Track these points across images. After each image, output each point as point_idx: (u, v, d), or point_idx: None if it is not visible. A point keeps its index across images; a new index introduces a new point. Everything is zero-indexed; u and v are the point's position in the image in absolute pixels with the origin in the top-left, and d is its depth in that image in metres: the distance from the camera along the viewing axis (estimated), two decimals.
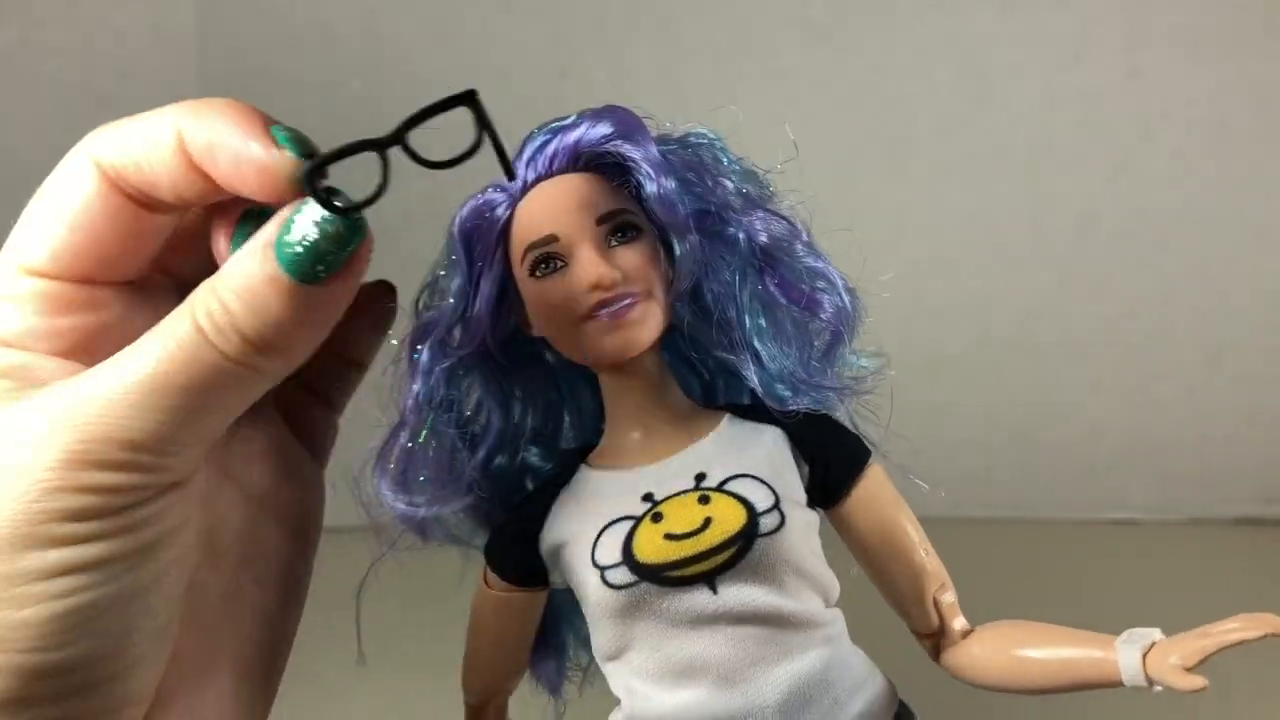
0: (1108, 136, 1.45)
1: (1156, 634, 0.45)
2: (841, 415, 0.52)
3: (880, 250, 1.53)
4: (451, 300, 0.49)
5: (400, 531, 0.51)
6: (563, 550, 0.48)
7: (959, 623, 0.50)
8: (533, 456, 0.53)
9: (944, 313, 1.51)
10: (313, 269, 0.38)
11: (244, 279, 0.38)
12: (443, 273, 0.50)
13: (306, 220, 0.38)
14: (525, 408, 0.53)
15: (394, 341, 0.50)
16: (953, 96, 1.48)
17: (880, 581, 0.51)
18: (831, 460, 0.50)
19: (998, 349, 1.51)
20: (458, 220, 0.49)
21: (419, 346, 0.49)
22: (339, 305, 0.39)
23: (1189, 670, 0.43)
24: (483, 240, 0.49)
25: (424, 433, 0.50)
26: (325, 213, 0.38)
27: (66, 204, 0.41)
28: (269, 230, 0.39)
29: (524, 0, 1.40)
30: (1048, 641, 0.47)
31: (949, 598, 0.50)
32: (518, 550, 0.50)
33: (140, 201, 0.41)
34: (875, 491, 0.51)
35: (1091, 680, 0.45)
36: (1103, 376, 1.48)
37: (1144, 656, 0.44)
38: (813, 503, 0.49)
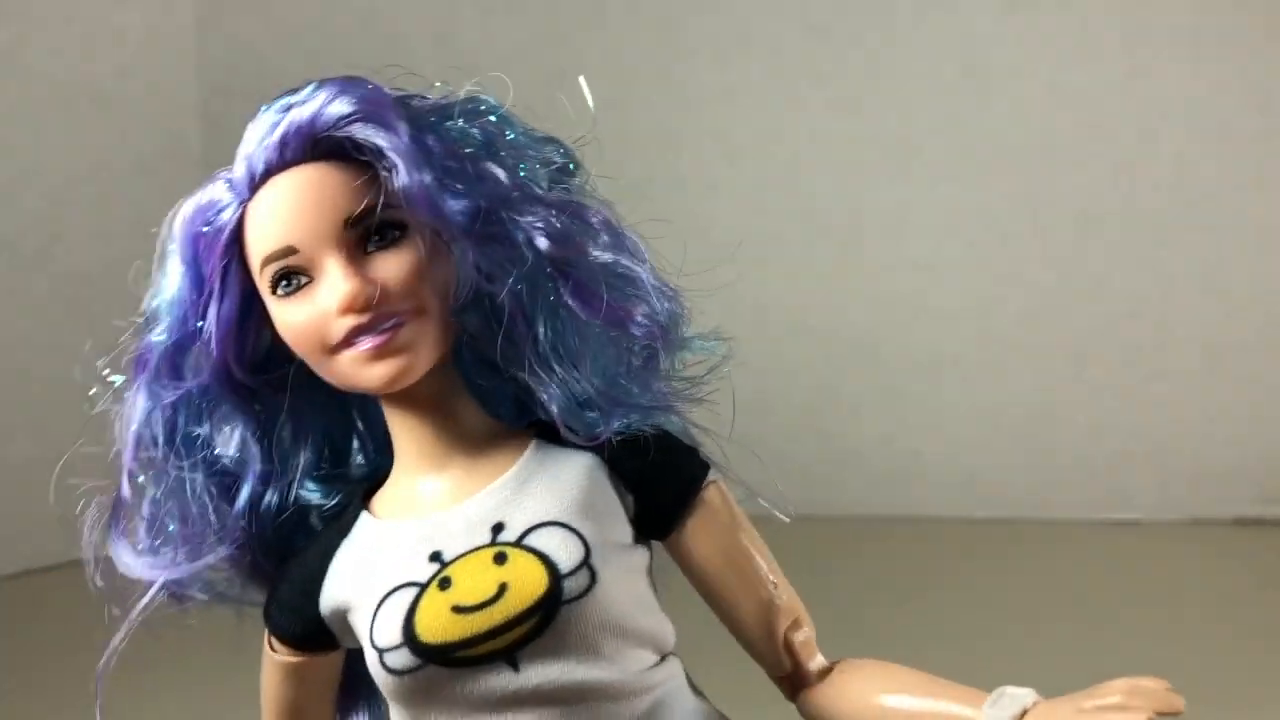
0: (1108, 136, 1.45)
1: (1029, 698, 0.39)
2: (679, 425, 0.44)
3: (881, 250, 1.54)
4: (171, 322, 0.41)
5: (150, 600, 0.42)
6: (347, 616, 0.41)
7: (815, 662, 0.43)
8: (310, 493, 0.44)
9: (944, 313, 1.51)
10: None
11: None
12: (162, 289, 0.41)
13: None
14: (294, 438, 0.43)
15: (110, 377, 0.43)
16: (953, 96, 1.48)
17: (725, 617, 0.44)
18: (660, 486, 0.42)
19: (998, 349, 1.51)
20: (177, 223, 0.41)
21: (134, 382, 0.41)
22: None
23: None
24: (209, 249, 0.40)
25: (164, 480, 0.42)
26: None
27: None
28: None
29: (524, 0, 1.40)
30: (914, 691, 0.42)
31: (802, 636, 0.43)
32: (299, 613, 0.42)
33: None
34: (714, 517, 0.42)
35: None
36: (1103, 376, 1.48)
37: None
38: (642, 537, 0.42)
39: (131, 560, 0.42)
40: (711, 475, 0.43)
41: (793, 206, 1.53)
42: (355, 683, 0.45)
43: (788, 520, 0.47)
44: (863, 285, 1.53)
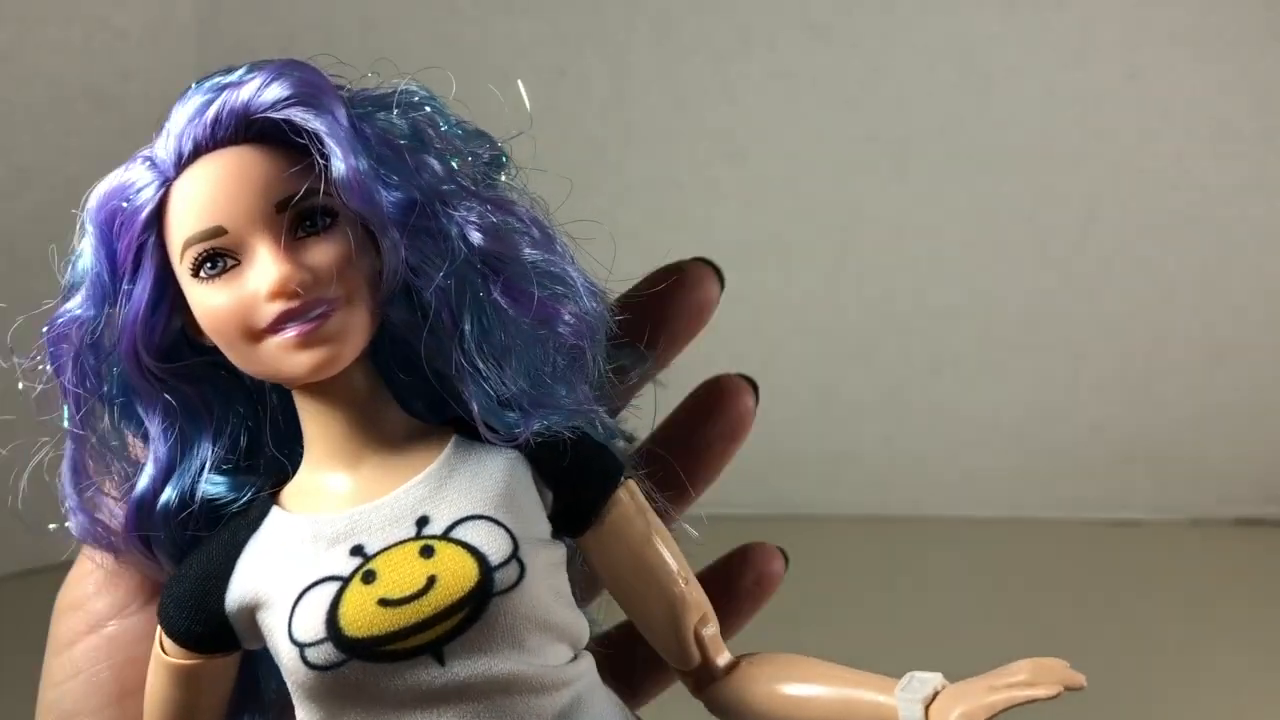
0: (1108, 136, 1.45)
1: (937, 680, 0.39)
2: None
3: (881, 250, 1.54)
4: (91, 295, 0.40)
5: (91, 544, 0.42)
6: (256, 614, 0.40)
7: (723, 658, 0.44)
8: (215, 487, 0.42)
9: (944, 313, 1.51)
10: None
11: None
12: (78, 265, 0.41)
13: None
14: (201, 431, 0.42)
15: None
16: (953, 96, 1.48)
17: (634, 613, 0.44)
18: (579, 483, 0.42)
19: (998, 349, 1.51)
20: (93, 199, 0.40)
21: (59, 357, 0.41)
22: None
23: None
24: (126, 230, 0.39)
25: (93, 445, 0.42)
26: None
27: None
28: None
29: (524, 0, 1.40)
30: (823, 680, 0.42)
31: (710, 630, 0.44)
32: (200, 611, 0.40)
33: None
34: (628, 515, 0.43)
35: None
36: (1103, 376, 1.48)
37: (926, 708, 0.39)
38: (559, 532, 0.42)
39: (75, 509, 0.42)
40: (626, 474, 0.43)
41: (793, 206, 1.53)
42: (241, 692, 0.43)
43: (698, 538, 0.47)
44: (863, 285, 1.53)
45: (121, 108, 1.49)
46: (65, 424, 0.42)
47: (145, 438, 0.42)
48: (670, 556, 0.43)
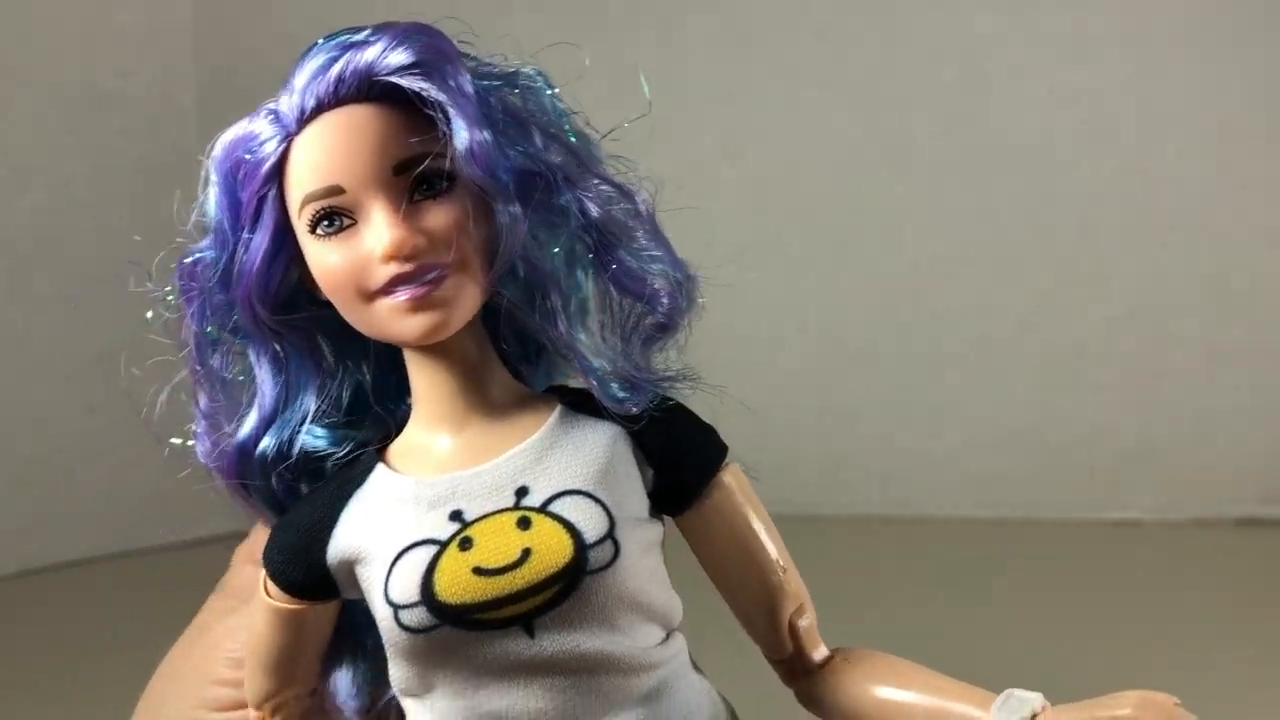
0: (1108, 136, 1.45)
1: (1037, 702, 0.39)
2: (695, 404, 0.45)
3: (881, 250, 1.54)
4: (214, 239, 0.41)
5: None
6: (355, 567, 0.41)
7: (817, 650, 0.43)
8: (317, 439, 0.43)
9: (944, 313, 1.51)
10: None
11: None
12: (205, 209, 0.41)
13: None
14: (308, 383, 0.43)
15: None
16: (953, 96, 1.48)
17: (730, 599, 0.44)
18: (682, 463, 0.42)
19: (998, 349, 1.51)
20: (218, 148, 0.40)
21: (188, 292, 0.42)
22: None
23: None
24: (249, 182, 0.39)
25: (214, 374, 0.43)
26: None
27: None
28: None
29: (524, 0, 1.40)
30: (917, 687, 0.41)
31: (806, 621, 0.43)
32: (303, 560, 0.41)
33: None
34: (730, 497, 0.42)
35: None
36: (1103, 377, 1.48)
37: None
38: (657, 511, 0.42)
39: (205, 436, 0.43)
40: (729, 456, 0.43)
41: (793, 206, 1.53)
42: (339, 638, 0.44)
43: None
44: (863, 285, 1.53)
45: (121, 108, 1.49)
46: (185, 357, 0.43)
47: (252, 383, 0.43)
48: (771, 543, 0.43)
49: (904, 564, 1.36)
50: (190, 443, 0.43)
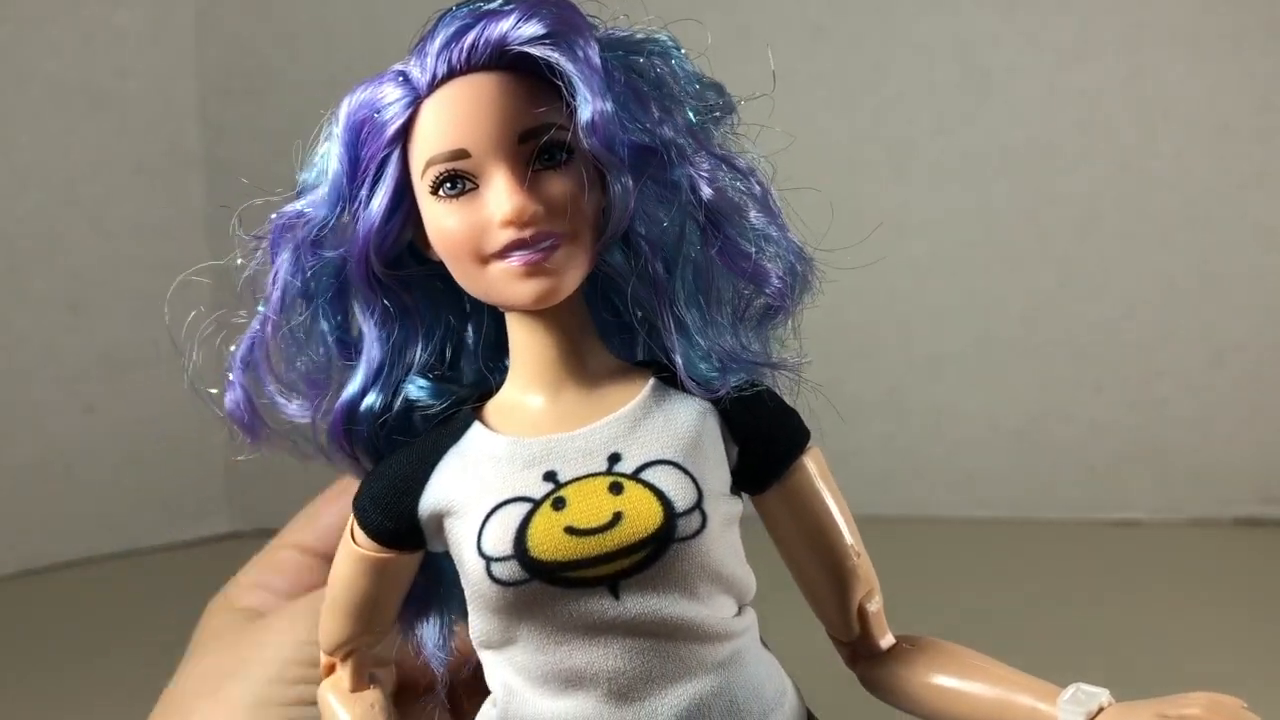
0: (1108, 136, 1.45)
1: (1104, 696, 0.39)
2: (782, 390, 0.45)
3: (881, 250, 1.53)
4: (327, 196, 0.41)
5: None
6: (445, 520, 0.42)
7: (885, 639, 0.45)
8: (420, 390, 0.44)
9: (944, 313, 1.51)
10: None
11: None
12: (319, 166, 0.42)
13: None
14: (413, 337, 0.44)
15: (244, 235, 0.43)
16: (953, 96, 1.48)
17: (801, 579, 0.45)
18: (768, 443, 0.43)
19: (998, 349, 1.51)
20: (344, 107, 0.41)
21: (279, 245, 0.42)
22: None
23: None
24: (373, 140, 0.40)
25: (298, 334, 0.43)
26: None
27: None
28: None
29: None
30: (982, 677, 0.41)
31: (874, 606, 0.44)
32: (395, 510, 0.42)
33: None
34: (810, 480, 0.44)
35: None
36: (1103, 376, 1.48)
37: None
38: (738, 488, 0.43)
39: (285, 401, 0.43)
40: (812, 440, 0.44)
41: (792, 206, 1.53)
42: (428, 592, 0.46)
43: None
44: (863, 285, 1.53)
45: (121, 107, 1.49)
46: (262, 308, 0.43)
47: (338, 338, 0.44)
48: (846, 527, 0.44)
49: (903, 563, 1.36)
50: (282, 400, 0.44)
